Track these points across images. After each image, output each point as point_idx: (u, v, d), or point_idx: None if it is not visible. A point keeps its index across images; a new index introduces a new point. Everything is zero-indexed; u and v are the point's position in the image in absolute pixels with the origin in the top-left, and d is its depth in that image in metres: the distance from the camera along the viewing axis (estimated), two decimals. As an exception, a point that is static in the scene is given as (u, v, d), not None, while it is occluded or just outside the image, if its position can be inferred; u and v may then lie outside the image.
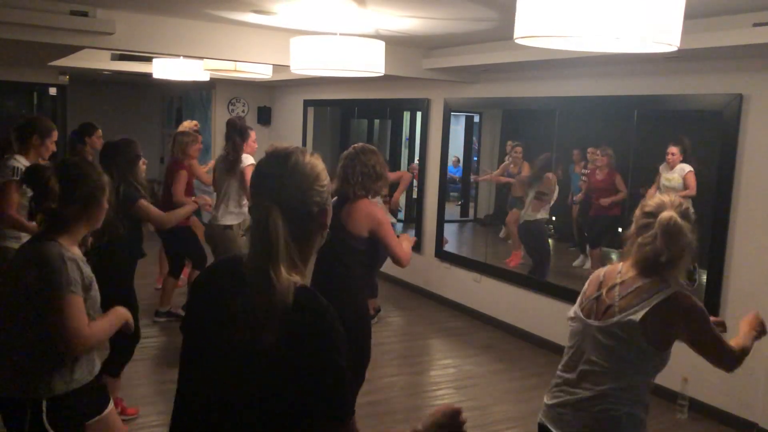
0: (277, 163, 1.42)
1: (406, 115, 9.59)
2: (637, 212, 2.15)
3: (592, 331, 2.16)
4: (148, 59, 6.65)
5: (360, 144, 3.39)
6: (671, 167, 5.30)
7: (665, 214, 2.03)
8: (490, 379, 4.91)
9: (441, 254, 6.95)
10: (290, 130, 9.82)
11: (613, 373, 2.10)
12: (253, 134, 5.12)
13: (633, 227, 2.16)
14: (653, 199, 2.13)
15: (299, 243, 1.39)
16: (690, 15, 2.12)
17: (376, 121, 10.23)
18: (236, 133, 4.94)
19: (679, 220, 2.03)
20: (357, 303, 3.26)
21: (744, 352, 2.19)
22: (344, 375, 1.31)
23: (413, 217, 7.74)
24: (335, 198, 3.34)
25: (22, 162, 3.88)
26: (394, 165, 9.92)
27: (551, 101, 5.66)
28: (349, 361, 1.32)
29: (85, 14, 4.45)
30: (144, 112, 12.05)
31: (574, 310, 2.28)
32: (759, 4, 3.50)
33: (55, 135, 4.18)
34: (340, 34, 4.02)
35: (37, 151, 4.05)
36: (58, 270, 2.10)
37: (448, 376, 5.05)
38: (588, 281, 2.29)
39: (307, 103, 9.41)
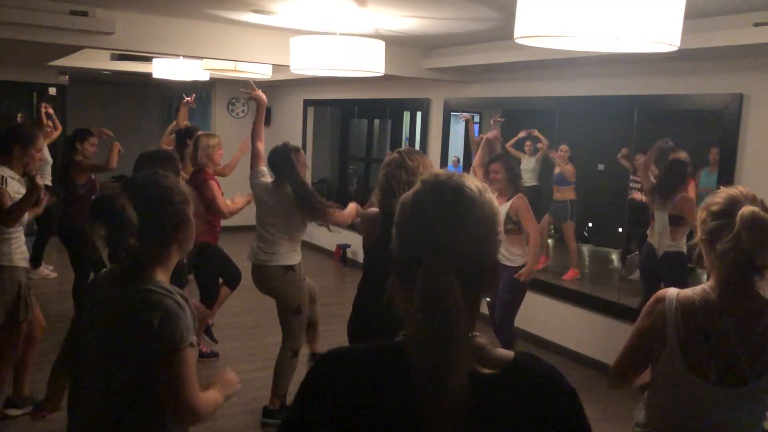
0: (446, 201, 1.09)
1: (406, 115, 9.59)
2: (702, 215, 1.78)
3: (719, 396, 1.73)
4: (148, 59, 6.65)
5: (406, 148, 3.09)
6: None
7: (746, 209, 1.67)
8: (490, 379, 4.90)
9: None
10: (290, 130, 9.82)
11: (745, 429, 1.79)
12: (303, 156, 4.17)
13: (700, 235, 1.78)
14: (718, 195, 1.76)
15: None
16: (690, 15, 2.11)
17: (376, 121, 10.23)
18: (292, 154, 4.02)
19: (764, 214, 1.67)
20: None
21: None
22: None
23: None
24: (377, 211, 2.94)
25: (7, 173, 3.69)
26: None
27: (551, 101, 5.66)
28: None
29: (85, 14, 4.45)
30: (144, 112, 12.05)
31: (676, 364, 1.76)
32: (759, 4, 3.50)
33: (40, 142, 3.94)
34: (340, 34, 4.02)
35: (20, 162, 3.78)
36: (177, 318, 1.72)
37: (448, 376, 5.03)
38: (678, 316, 1.77)
39: (307, 103, 9.41)
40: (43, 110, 6.47)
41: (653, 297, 1.87)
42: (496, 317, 4.61)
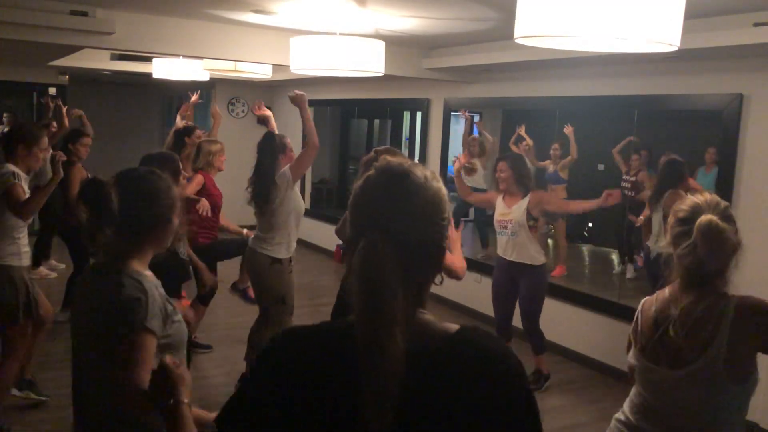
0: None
1: (406, 115, 9.59)
2: (671, 220, 1.88)
3: (668, 380, 1.85)
4: (148, 59, 6.66)
5: (383, 147, 3.23)
6: None
7: (703, 218, 1.77)
8: (490, 379, 4.89)
9: (441, 254, 6.94)
10: (290, 130, 9.81)
11: (708, 419, 1.84)
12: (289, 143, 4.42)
13: (668, 238, 1.88)
14: (685, 202, 1.86)
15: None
16: (690, 15, 2.11)
17: (376, 121, 10.23)
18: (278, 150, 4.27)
19: (720, 223, 1.77)
20: None
21: None
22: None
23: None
24: None
25: (15, 169, 3.71)
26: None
27: (551, 101, 5.66)
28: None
29: (85, 14, 4.45)
30: (144, 112, 12.06)
31: (634, 354, 1.95)
32: (759, 4, 3.50)
33: (43, 142, 3.93)
34: (340, 34, 4.02)
35: (24, 162, 3.79)
36: (132, 302, 1.77)
37: (448, 376, 5.03)
38: (639, 313, 1.97)
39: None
40: (53, 106, 6.51)
41: None
42: (522, 316, 4.63)
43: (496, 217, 4.61)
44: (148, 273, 1.91)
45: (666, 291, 1.92)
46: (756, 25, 3.56)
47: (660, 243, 4.76)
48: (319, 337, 1.16)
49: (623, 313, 4.86)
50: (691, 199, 1.87)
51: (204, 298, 4.86)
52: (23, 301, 3.67)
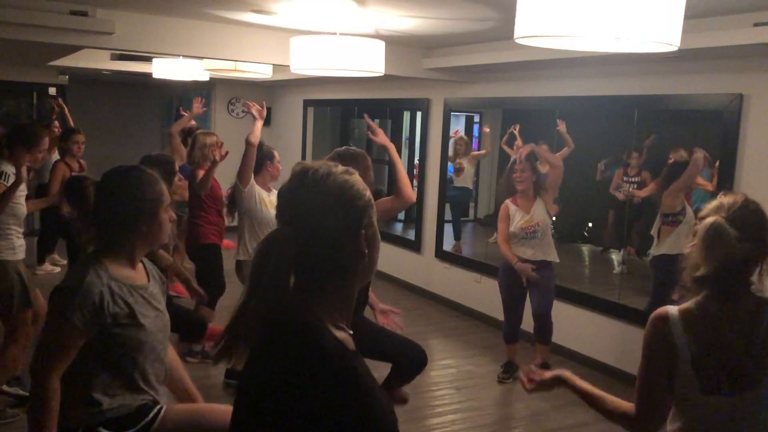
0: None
1: (406, 115, 9.59)
2: (697, 220, 1.77)
3: (733, 406, 1.67)
4: (148, 59, 6.65)
5: (343, 148, 3.28)
6: None
7: (708, 219, 1.65)
8: (490, 379, 4.91)
9: (441, 254, 6.95)
10: (290, 130, 9.82)
11: None
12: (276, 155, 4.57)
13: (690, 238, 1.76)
14: (715, 201, 1.75)
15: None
16: (690, 15, 2.12)
17: (376, 121, 10.21)
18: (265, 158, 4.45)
19: (723, 226, 1.63)
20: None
21: None
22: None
23: (413, 218, 7.74)
24: None
25: (10, 169, 3.77)
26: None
27: (551, 101, 5.66)
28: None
29: (85, 14, 4.45)
30: (144, 112, 12.04)
31: (692, 385, 1.69)
32: (759, 4, 3.50)
33: (44, 143, 3.97)
34: (340, 34, 4.02)
35: (22, 161, 3.84)
36: (62, 289, 1.88)
37: (448, 376, 5.05)
38: (684, 339, 1.69)
39: (307, 103, 9.41)
40: (56, 108, 6.53)
41: (652, 317, 1.78)
42: (537, 308, 4.65)
43: (521, 225, 4.50)
44: (121, 272, 1.93)
45: (707, 304, 1.71)
46: (756, 25, 3.56)
47: (654, 245, 4.84)
48: None
49: (623, 313, 4.86)
50: (720, 199, 1.74)
51: (209, 301, 4.82)
52: (19, 292, 3.75)
